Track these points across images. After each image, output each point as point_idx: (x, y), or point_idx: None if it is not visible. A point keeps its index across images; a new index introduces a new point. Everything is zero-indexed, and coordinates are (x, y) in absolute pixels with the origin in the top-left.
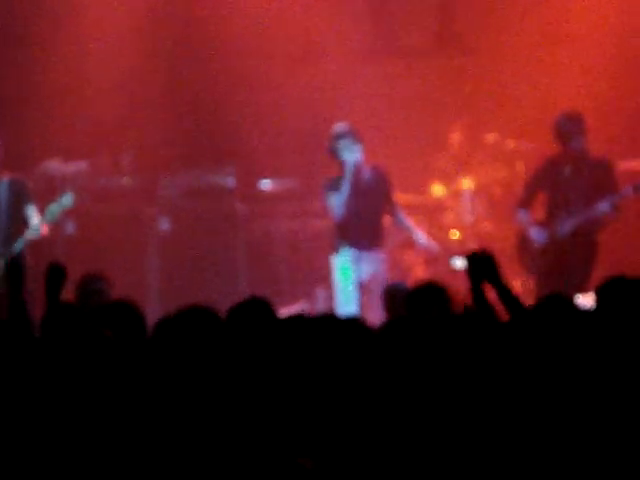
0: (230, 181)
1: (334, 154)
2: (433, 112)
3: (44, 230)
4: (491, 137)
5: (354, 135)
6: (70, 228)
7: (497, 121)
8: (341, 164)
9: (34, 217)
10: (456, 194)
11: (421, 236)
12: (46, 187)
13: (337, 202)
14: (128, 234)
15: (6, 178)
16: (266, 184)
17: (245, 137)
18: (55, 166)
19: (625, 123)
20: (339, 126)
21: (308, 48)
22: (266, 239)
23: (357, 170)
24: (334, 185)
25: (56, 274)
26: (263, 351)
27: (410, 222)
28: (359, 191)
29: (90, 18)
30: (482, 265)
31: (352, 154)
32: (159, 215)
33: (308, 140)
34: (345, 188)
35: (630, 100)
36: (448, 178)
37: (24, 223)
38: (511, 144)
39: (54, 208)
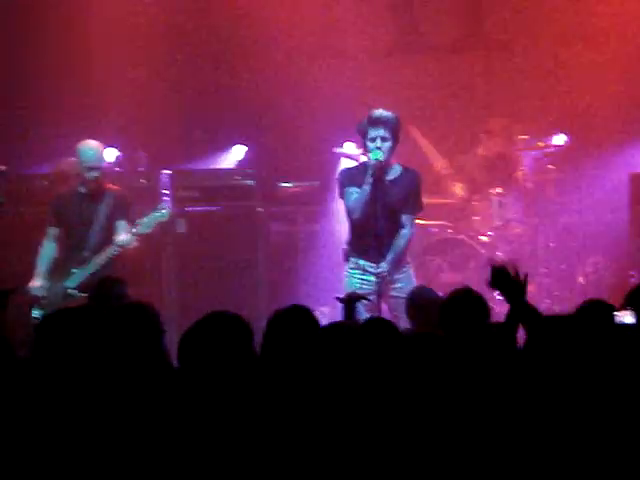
0: (250, 182)
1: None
2: (460, 110)
3: (134, 242)
4: (521, 137)
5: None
6: None
7: (525, 119)
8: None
9: (122, 232)
10: (484, 196)
11: None
12: (63, 185)
13: (357, 200)
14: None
15: (113, 189)
16: (286, 186)
17: (265, 138)
18: (71, 165)
19: None
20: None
21: (331, 45)
22: (286, 241)
23: (380, 168)
24: (353, 177)
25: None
26: (304, 358)
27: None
28: (382, 193)
29: (101, 12)
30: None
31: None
32: (175, 217)
33: (329, 139)
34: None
35: None
36: (476, 179)
37: (112, 235)
38: (541, 144)
39: (149, 220)
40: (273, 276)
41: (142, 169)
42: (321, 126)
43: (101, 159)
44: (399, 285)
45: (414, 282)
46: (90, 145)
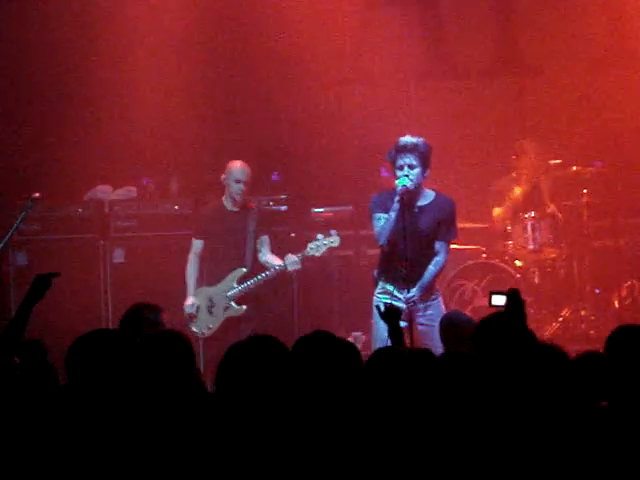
0: (283, 208)
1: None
2: (492, 135)
3: (299, 265)
4: (554, 162)
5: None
6: (118, 256)
7: (558, 144)
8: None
9: (267, 247)
10: (518, 220)
11: None
12: (96, 213)
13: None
14: (177, 261)
15: (253, 206)
16: (318, 211)
17: (297, 163)
18: (104, 192)
19: None
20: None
21: (362, 71)
22: (319, 266)
23: (408, 194)
24: (382, 203)
25: (42, 284)
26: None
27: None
28: (411, 220)
29: (133, 41)
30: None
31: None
32: None
33: (361, 165)
34: (393, 212)
35: None
36: (509, 204)
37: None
38: (574, 169)
39: (321, 245)
40: (307, 301)
41: (173, 196)
42: (353, 151)
43: (246, 175)
44: (429, 312)
45: (443, 310)
46: (237, 162)
